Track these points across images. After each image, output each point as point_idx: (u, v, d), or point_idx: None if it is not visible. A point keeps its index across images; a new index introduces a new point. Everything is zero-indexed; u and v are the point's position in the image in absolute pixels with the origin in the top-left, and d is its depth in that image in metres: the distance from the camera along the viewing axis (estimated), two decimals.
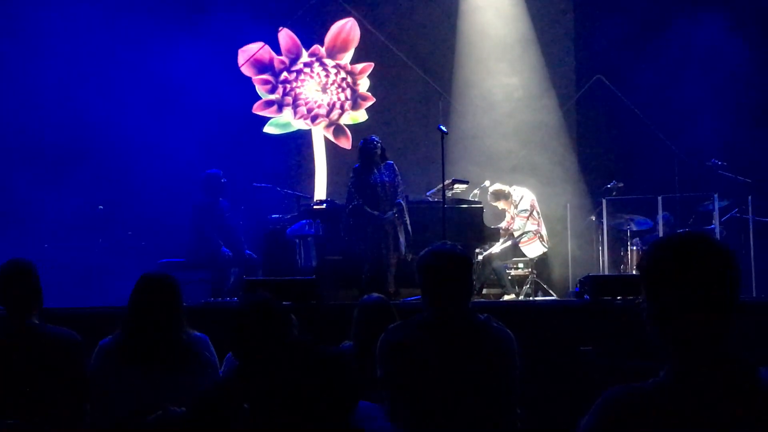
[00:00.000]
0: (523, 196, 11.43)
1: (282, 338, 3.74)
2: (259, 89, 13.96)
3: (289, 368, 3.45)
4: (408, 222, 10.03)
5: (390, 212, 9.92)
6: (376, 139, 10.22)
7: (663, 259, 2.25)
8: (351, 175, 10.33)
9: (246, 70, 13.80)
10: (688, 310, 2.19)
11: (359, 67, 14.01)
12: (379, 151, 10.09)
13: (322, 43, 14.04)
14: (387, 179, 9.95)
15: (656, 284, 2.25)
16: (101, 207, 12.01)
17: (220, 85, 13.15)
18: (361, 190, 9.99)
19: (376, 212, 9.88)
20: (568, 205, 12.79)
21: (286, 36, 13.93)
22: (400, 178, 10.13)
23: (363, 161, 10.14)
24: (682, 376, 2.19)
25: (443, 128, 9.91)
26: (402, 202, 10.05)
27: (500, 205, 11.58)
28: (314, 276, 9.15)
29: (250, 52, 13.82)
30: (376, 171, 9.98)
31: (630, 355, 5.96)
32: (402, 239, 9.95)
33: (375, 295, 5.74)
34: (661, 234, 11.66)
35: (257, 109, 13.87)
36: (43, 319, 4.73)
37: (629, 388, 2.22)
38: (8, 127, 12.29)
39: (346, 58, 14.04)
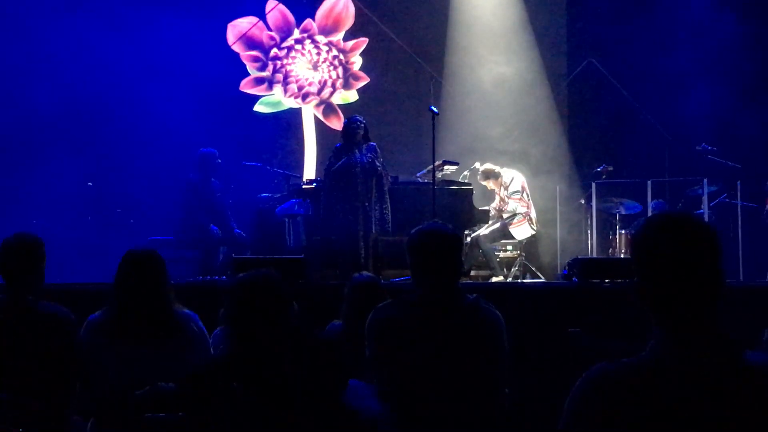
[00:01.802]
0: (514, 177, 11.42)
1: (282, 321, 3.70)
2: (249, 66, 13.91)
3: (286, 353, 3.45)
4: (388, 204, 9.96)
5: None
6: (360, 119, 10.12)
7: (652, 236, 2.28)
8: (330, 154, 10.30)
9: (235, 47, 13.74)
10: (675, 285, 2.21)
11: (351, 43, 13.97)
12: (361, 132, 9.98)
13: (313, 18, 13.98)
14: (366, 160, 9.84)
15: (646, 260, 2.27)
16: (90, 184, 11.99)
17: (209, 60, 13.09)
18: (337, 170, 9.89)
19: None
20: (558, 188, 12.81)
21: (276, 11, 13.86)
22: (381, 160, 10.02)
23: (344, 141, 10.05)
24: (668, 352, 2.20)
25: (434, 109, 9.90)
26: (384, 180, 9.97)
27: (489, 184, 11.57)
28: (303, 255, 9.14)
29: (239, 26, 13.76)
30: (357, 151, 9.89)
31: (618, 337, 6.00)
32: (377, 219, 9.86)
33: (366, 274, 5.74)
34: None
35: (246, 87, 13.82)
36: (38, 295, 4.70)
37: (613, 365, 2.23)
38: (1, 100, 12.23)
39: (339, 36, 13.99)
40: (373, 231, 9.79)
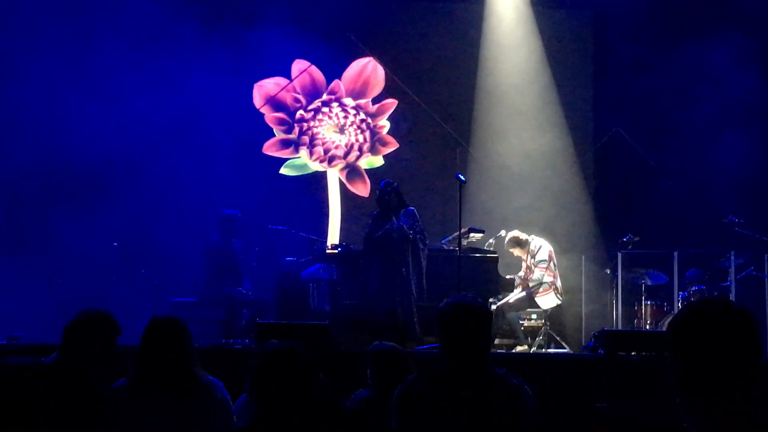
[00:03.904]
0: (541, 246, 11.37)
1: (307, 392, 3.65)
2: (274, 128, 13.96)
3: (311, 425, 3.40)
4: (422, 271, 9.96)
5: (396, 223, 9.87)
6: (391, 184, 10.18)
7: (692, 324, 2.26)
8: (369, 220, 10.38)
9: (260, 107, 13.82)
10: (715, 375, 2.19)
11: (379, 105, 14.03)
12: (394, 197, 10.04)
13: (340, 80, 14.07)
14: (404, 225, 9.88)
15: (685, 348, 2.25)
16: (115, 244, 12.01)
17: (236, 119, 13.22)
18: (375, 238, 9.95)
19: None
20: (583, 257, 12.74)
21: (305, 73, 13.94)
22: (419, 225, 10.04)
23: (380, 208, 10.17)
24: None
25: (462, 177, 9.91)
26: (420, 246, 9.97)
27: (516, 251, 11.52)
28: (328, 321, 9.09)
29: (265, 87, 13.85)
30: (393, 218, 9.94)
31: (647, 412, 5.91)
32: (414, 282, 9.86)
33: (386, 343, 5.69)
34: (676, 290, 11.62)
35: (270, 149, 13.83)
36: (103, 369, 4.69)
37: None
38: (27, 159, 12.28)
39: (367, 100, 14.05)
40: (413, 297, 9.78)
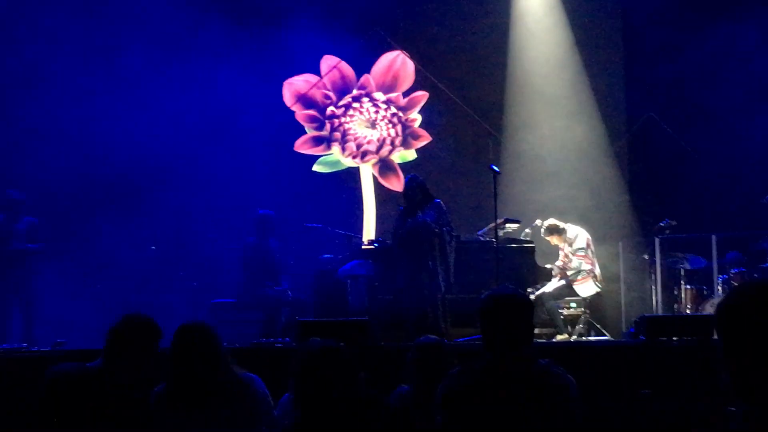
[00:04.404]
0: (578, 234, 11.32)
1: (350, 390, 3.67)
2: (306, 126, 13.99)
3: (355, 423, 3.41)
4: (450, 263, 9.95)
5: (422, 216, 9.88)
6: (416, 178, 10.20)
7: (746, 303, 2.26)
8: (395, 215, 10.41)
9: (291, 105, 13.85)
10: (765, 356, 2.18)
11: (408, 99, 14.01)
12: (418, 191, 10.04)
13: (370, 74, 14.07)
14: (429, 219, 9.88)
15: (737, 327, 2.24)
16: (153, 248, 12.09)
17: (268, 118, 13.27)
18: (402, 233, 9.97)
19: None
20: (621, 244, 12.69)
21: (334, 69, 13.96)
22: (447, 217, 10.04)
23: (406, 203, 10.19)
24: (756, 421, 2.17)
25: (495, 168, 9.88)
26: (447, 238, 9.96)
27: (553, 240, 11.49)
28: (366, 317, 9.10)
29: (295, 84, 13.88)
30: (419, 212, 9.94)
31: (690, 398, 5.88)
32: (442, 278, 9.86)
33: (431, 336, 5.68)
34: (715, 273, 11.54)
35: (302, 146, 13.88)
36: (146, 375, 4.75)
37: None
38: (63, 166, 12.39)
39: (397, 93, 14.03)
40: (440, 291, 9.78)
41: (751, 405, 2.19)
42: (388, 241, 11.04)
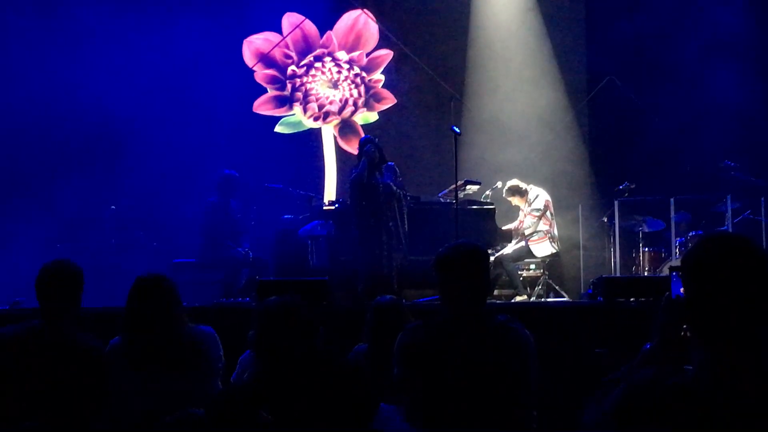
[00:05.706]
0: (539, 195, 11.36)
1: (308, 346, 3.69)
2: (266, 86, 13.89)
3: (313, 378, 3.43)
4: (406, 225, 9.94)
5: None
6: (370, 140, 10.13)
7: (707, 253, 2.31)
8: (352, 167, 10.34)
9: (251, 64, 13.75)
10: (725, 301, 2.23)
11: (375, 55, 13.95)
12: (376, 152, 9.97)
13: (332, 30, 13.98)
14: (389, 181, 9.84)
15: (699, 276, 2.30)
16: (113, 207, 12.01)
17: (228, 78, 13.16)
18: (363, 186, 9.87)
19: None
20: (580, 206, 12.75)
21: (297, 28, 13.84)
22: (400, 180, 10.01)
23: (366, 162, 10.07)
24: (712, 374, 2.22)
25: (457, 129, 9.87)
26: (403, 205, 9.94)
27: (515, 200, 11.52)
28: (327, 277, 9.12)
29: (254, 43, 13.77)
30: (377, 173, 9.89)
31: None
32: (403, 239, 9.86)
33: (388, 296, 5.72)
34: (673, 236, 11.65)
35: (262, 107, 13.79)
36: (74, 324, 4.71)
37: (658, 375, 2.26)
38: (23, 124, 12.27)
39: (360, 54, 13.96)
40: (402, 252, 9.79)
41: (711, 353, 2.24)
42: (348, 202, 11.03)
